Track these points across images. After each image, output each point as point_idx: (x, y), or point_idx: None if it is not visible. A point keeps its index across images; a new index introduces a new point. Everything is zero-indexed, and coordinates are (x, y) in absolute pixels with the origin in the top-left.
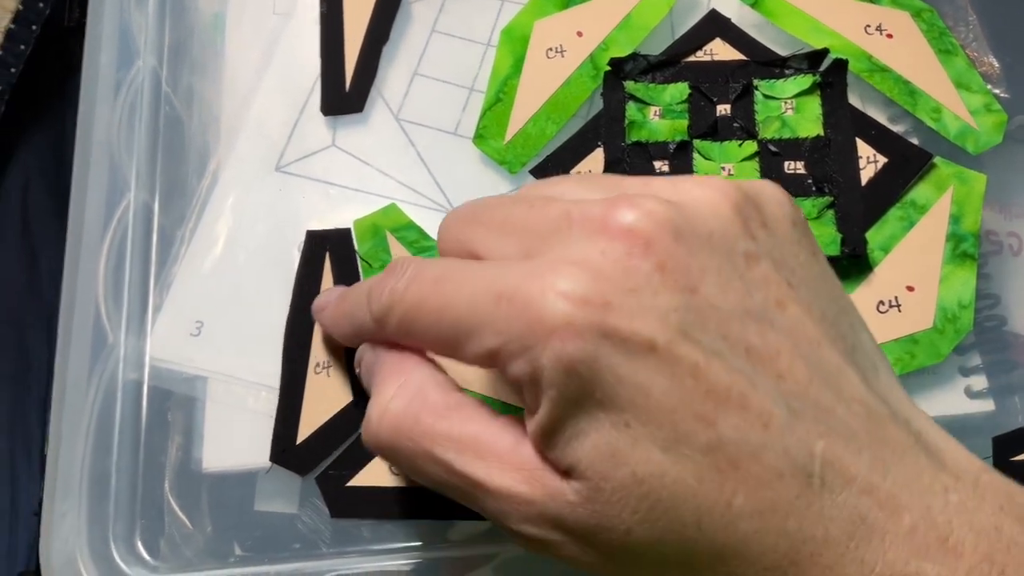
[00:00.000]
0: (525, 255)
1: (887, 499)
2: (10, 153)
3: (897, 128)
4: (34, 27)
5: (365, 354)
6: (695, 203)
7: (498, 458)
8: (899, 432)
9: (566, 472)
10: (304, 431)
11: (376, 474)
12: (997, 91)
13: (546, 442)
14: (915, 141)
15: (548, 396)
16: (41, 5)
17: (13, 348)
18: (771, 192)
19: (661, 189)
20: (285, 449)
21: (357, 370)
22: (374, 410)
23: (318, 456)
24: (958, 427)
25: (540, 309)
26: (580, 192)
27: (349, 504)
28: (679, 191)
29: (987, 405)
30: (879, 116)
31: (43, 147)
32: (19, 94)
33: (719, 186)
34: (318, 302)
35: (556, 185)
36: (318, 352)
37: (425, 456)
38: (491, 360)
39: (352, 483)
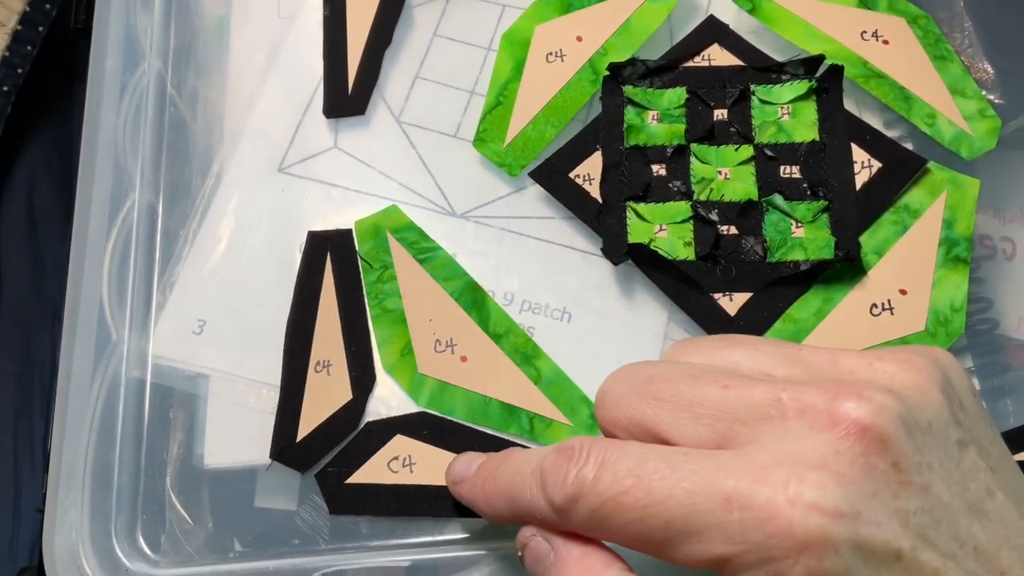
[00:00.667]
0: (726, 442)
1: None
2: (17, 153)
3: (892, 133)
4: (41, 28)
5: (533, 540)
6: (910, 391)
7: None
8: None
9: None
10: (304, 429)
11: (374, 471)
12: (992, 97)
13: None
14: (910, 146)
15: None
16: (48, 6)
17: (19, 347)
18: (950, 361)
19: (859, 369)
20: (285, 446)
21: (519, 553)
22: None
23: (317, 453)
24: None
25: (790, 521)
26: (757, 363)
27: (348, 501)
28: (891, 376)
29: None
30: (875, 121)
31: (49, 147)
32: (26, 95)
33: (922, 367)
34: (455, 472)
35: (722, 351)
36: (318, 351)
37: None
38: (715, 565)
39: (351, 480)
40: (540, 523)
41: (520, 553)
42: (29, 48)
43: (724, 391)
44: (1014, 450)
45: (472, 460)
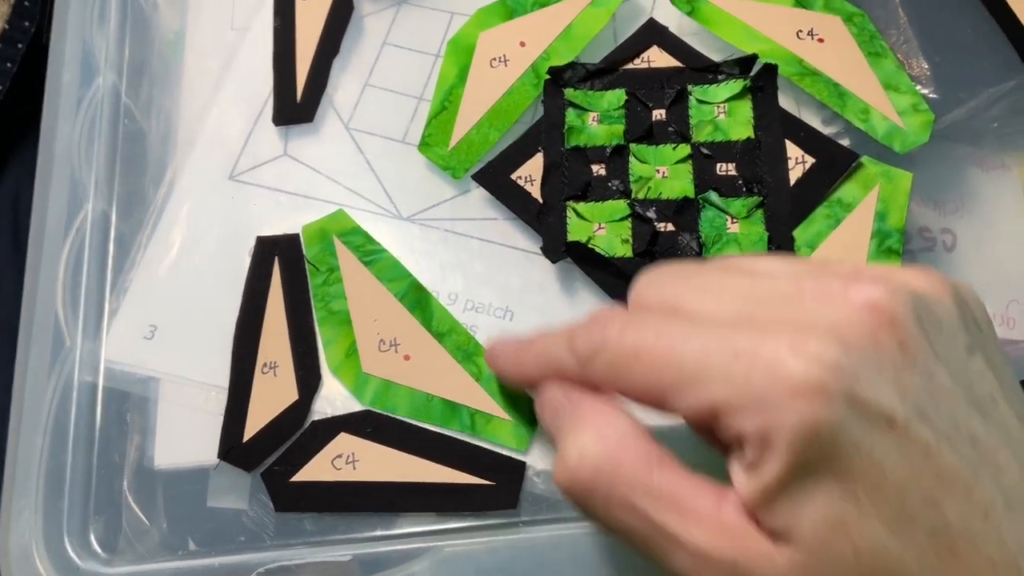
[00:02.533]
0: (748, 320)
1: None
2: (0, 168)
3: (830, 130)
4: (20, 45)
5: (553, 394)
6: (925, 290)
7: (698, 515)
8: None
9: (778, 536)
10: (251, 429)
11: (319, 469)
12: (927, 91)
13: (765, 504)
14: (847, 142)
15: (781, 457)
16: (27, 23)
17: (7, 360)
18: (972, 292)
19: (877, 273)
20: (232, 447)
21: (539, 410)
22: (571, 450)
23: (264, 453)
24: None
25: (790, 368)
26: (790, 269)
27: (292, 498)
28: (909, 277)
29: None
30: (813, 118)
31: (32, 162)
32: (7, 110)
33: (939, 278)
34: (493, 349)
35: (758, 262)
36: (265, 353)
37: (622, 503)
38: (709, 412)
39: (295, 478)
40: (562, 375)
41: (539, 410)
42: (8, 65)
43: (750, 279)
44: None
45: (509, 340)
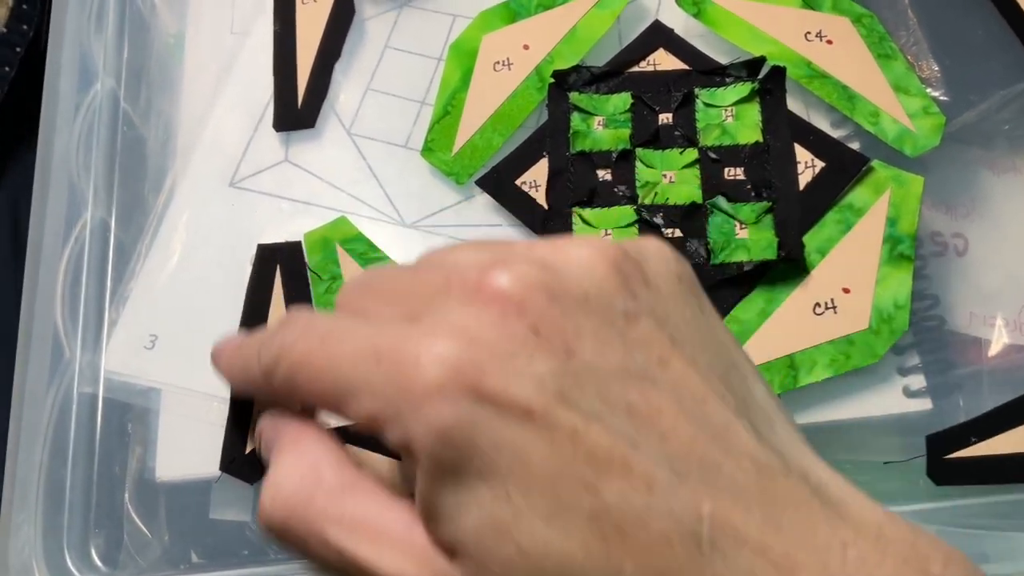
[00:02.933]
0: (407, 319)
1: (782, 558)
2: None
3: (839, 133)
4: (18, 49)
5: (263, 424)
6: (570, 264)
7: (391, 541)
8: (794, 486)
9: (450, 551)
10: (253, 440)
11: None
12: (938, 94)
13: (429, 519)
14: (857, 145)
15: (423, 467)
16: (25, 28)
17: (5, 368)
18: (655, 248)
19: (543, 252)
20: (235, 458)
21: (256, 445)
22: (267, 489)
23: (266, 465)
24: (896, 426)
25: (412, 372)
26: (471, 257)
27: None
28: (557, 253)
29: (925, 404)
30: (822, 121)
31: (30, 168)
32: (4, 115)
33: (597, 245)
34: (217, 346)
35: (451, 252)
36: None
37: (317, 540)
38: (373, 426)
39: None
40: (258, 392)
41: (256, 444)
42: (7, 69)
43: (414, 276)
44: (958, 447)
45: (236, 337)
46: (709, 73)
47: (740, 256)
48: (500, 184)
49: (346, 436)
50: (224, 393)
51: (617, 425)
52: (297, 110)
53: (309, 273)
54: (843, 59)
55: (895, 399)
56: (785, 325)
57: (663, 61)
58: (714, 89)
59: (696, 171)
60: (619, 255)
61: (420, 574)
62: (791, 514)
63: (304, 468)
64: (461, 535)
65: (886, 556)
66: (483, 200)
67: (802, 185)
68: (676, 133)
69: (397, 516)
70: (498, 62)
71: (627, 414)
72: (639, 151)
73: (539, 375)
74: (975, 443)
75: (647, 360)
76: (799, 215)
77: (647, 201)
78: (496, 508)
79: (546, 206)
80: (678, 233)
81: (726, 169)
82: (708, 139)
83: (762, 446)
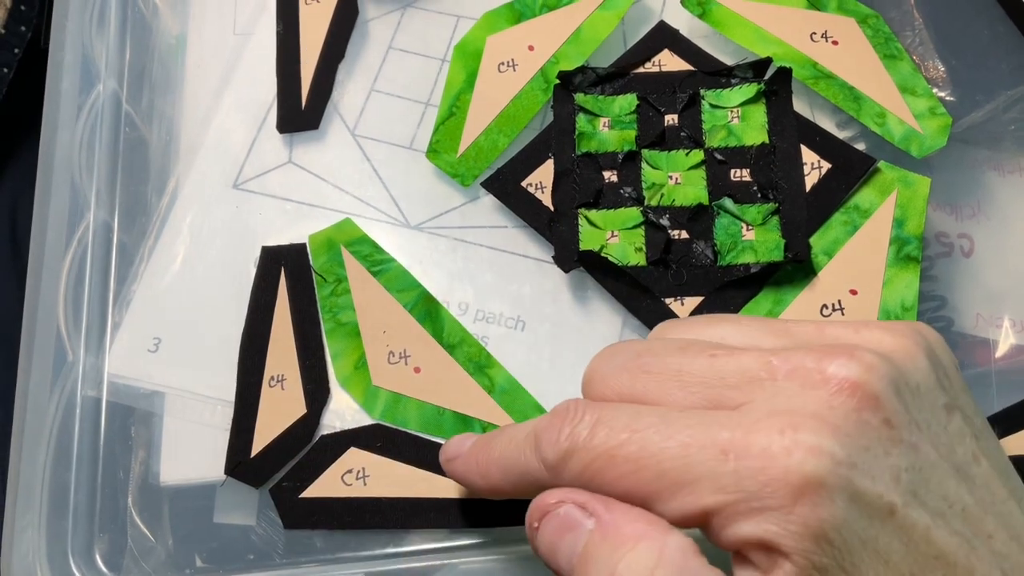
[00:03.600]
0: (716, 407)
1: None
2: None
3: (845, 134)
4: (16, 51)
5: (563, 508)
6: (898, 354)
7: None
8: None
9: None
10: (258, 444)
11: (328, 485)
12: (944, 94)
13: None
14: (862, 146)
15: (794, 562)
16: (23, 28)
17: (5, 369)
18: (935, 335)
19: (845, 336)
20: (239, 462)
21: (534, 525)
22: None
23: (272, 468)
24: None
25: (786, 468)
26: (744, 337)
27: (302, 515)
28: (868, 339)
29: None
30: (828, 122)
31: (32, 170)
32: (4, 117)
33: (908, 334)
34: (450, 450)
35: (708, 327)
36: (272, 366)
37: None
38: (703, 518)
39: (305, 494)
40: (534, 485)
41: (535, 525)
42: (5, 70)
43: (712, 359)
44: None
45: (466, 439)
46: (715, 74)
47: (747, 258)
48: (506, 186)
49: None
50: (229, 396)
51: (956, 525)
52: (301, 111)
53: (314, 275)
54: (849, 60)
55: None
56: None
57: (668, 62)
58: (720, 90)
59: (702, 172)
60: (927, 345)
61: None
62: None
63: (676, 560)
64: None
65: None
66: (489, 201)
67: (808, 186)
68: (682, 134)
69: None
70: (503, 63)
71: (963, 514)
72: (645, 152)
73: (896, 471)
74: None
75: (965, 456)
76: (806, 216)
77: (653, 202)
78: None
79: (552, 207)
80: (684, 235)
81: (732, 170)
82: (714, 140)
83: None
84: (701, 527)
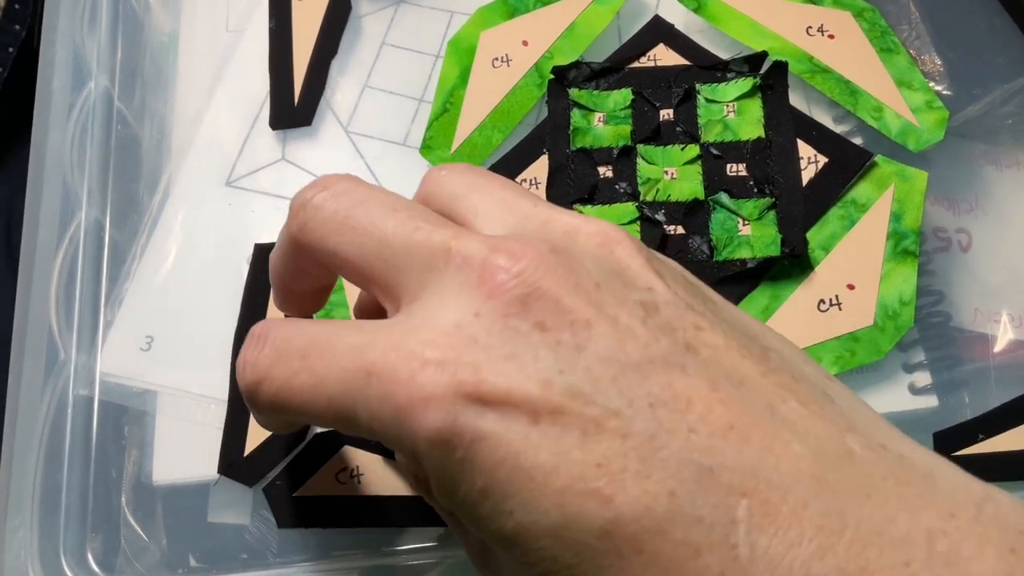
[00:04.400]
0: (398, 290)
1: (848, 560)
2: None
3: (842, 128)
4: (11, 49)
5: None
6: (588, 248)
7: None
8: (860, 467)
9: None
10: (252, 443)
11: (323, 484)
12: (941, 88)
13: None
14: (860, 141)
15: (433, 483)
16: (17, 27)
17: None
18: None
19: (556, 230)
20: (233, 461)
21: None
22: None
23: (265, 467)
24: (901, 423)
25: (410, 391)
26: (482, 206)
27: (296, 514)
28: (568, 230)
29: (931, 401)
30: (824, 117)
31: (24, 168)
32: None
33: (610, 226)
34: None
35: (466, 195)
36: None
37: None
38: (380, 441)
39: (299, 493)
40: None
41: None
42: (0, 69)
43: (412, 234)
44: (966, 444)
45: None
46: (710, 68)
47: (743, 253)
48: None
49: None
50: (222, 395)
51: (638, 421)
52: (294, 108)
53: None
54: (845, 54)
55: (901, 396)
56: (789, 322)
57: (663, 56)
58: (715, 85)
59: (698, 167)
60: (634, 243)
61: None
62: (859, 503)
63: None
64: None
65: (986, 545)
66: None
67: (805, 181)
68: (677, 129)
69: None
70: (497, 58)
71: (650, 408)
72: (640, 147)
73: (548, 373)
74: (983, 440)
75: (673, 345)
76: (802, 211)
77: (649, 198)
78: (501, 522)
79: None
80: (680, 230)
81: (728, 165)
82: (710, 135)
83: (819, 422)
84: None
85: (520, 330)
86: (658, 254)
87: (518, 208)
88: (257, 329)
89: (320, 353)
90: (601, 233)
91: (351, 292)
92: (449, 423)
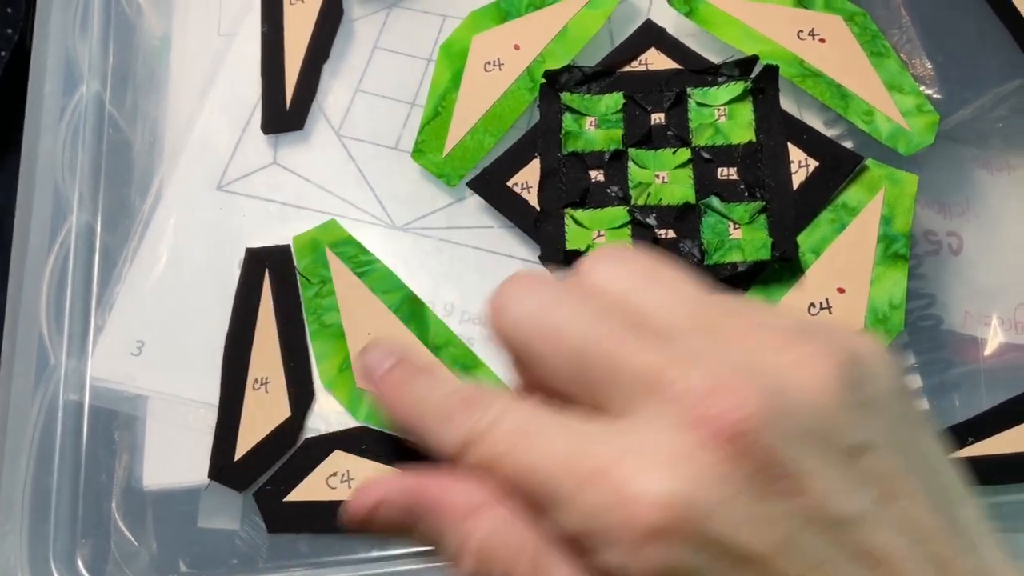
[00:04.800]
0: (603, 404)
1: None
2: None
3: (833, 131)
4: (3, 53)
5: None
6: (800, 386)
7: None
8: None
9: None
10: (242, 448)
11: (313, 489)
12: (931, 92)
13: None
14: (850, 144)
15: None
16: (10, 31)
17: None
18: (879, 359)
19: (761, 353)
20: (223, 466)
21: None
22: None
23: (256, 472)
24: None
25: (635, 512)
26: (671, 312)
27: (286, 519)
28: (781, 365)
29: (921, 404)
30: (815, 120)
31: (16, 172)
32: None
33: (826, 356)
34: (368, 361)
35: (645, 288)
36: (256, 368)
37: None
38: (575, 539)
39: (289, 498)
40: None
41: (365, 525)
42: None
43: (616, 349)
44: (956, 447)
45: (389, 356)
46: (701, 72)
47: (734, 256)
48: (491, 185)
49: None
50: (212, 399)
51: (844, 568)
52: (285, 112)
53: (298, 277)
54: (836, 57)
55: None
56: None
57: (655, 60)
58: (707, 88)
59: (689, 171)
60: (849, 372)
61: None
62: None
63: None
64: None
65: None
66: (475, 201)
67: (796, 184)
68: (669, 133)
69: None
70: (489, 62)
71: (857, 560)
72: (632, 151)
73: (765, 519)
74: (972, 443)
75: (878, 497)
76: (793, 215)
77: (640, 202)
78: None
79: (538, 207)
80: (671, 234)
81: (719, 169)
82: (701, 139)
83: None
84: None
85: (741, 472)
86: (875, 366)
87: (709, 315)
88: (477, 394)
89: (536, 438)
90: (816, 359)
91: (343, 298)
92: (675, 562)
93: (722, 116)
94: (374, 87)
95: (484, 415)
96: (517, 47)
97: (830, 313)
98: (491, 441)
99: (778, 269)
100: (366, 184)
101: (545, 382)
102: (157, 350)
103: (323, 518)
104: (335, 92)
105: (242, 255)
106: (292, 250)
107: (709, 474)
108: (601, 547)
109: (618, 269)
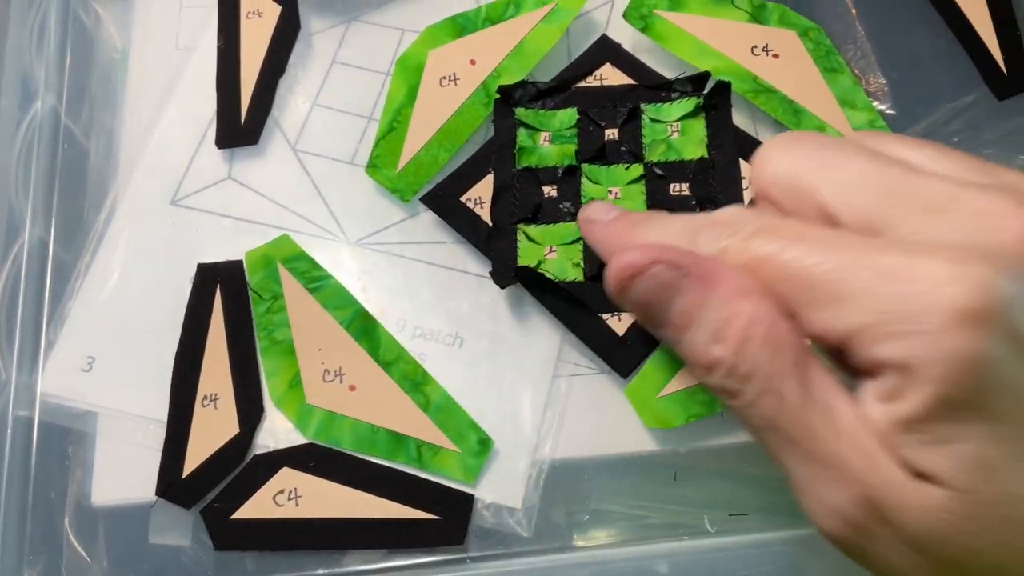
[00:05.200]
0: (887, 226)
1: None
2: None
3: None
4: None
5: (656, 268)
6: None
7: (840, 426)
8: None
9: (917, 472)
10: (190, 464)
11: (260, 506)
12: (884, 107)
13: (902, 436)
14: None
15: (929, 389)
16: None
17: None
18: None
19: None
20: (171, 483)
21: (621, 286)
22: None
23: (204, 489)
24: None
25: (952, 295)
26: (944, 166)
27: (233, 537)
28: None
29: None
30: (768, 136)
31: None
32: None
33: None
34: (589, 212)
35: (909, 147)
36: (206, 385)
37: (768, 388)
38: (845, 336)
39: (236, 515)
40: (670, 259)
41: (623, 284)
42: None
43: (901, 174)
44: None
45: (610, 209)
46: (655, 88)
47: None
48: (445, 201)
49: None
50: (161, 416)
51: None
52: (240, 126)
53: (250, 293)
54: (789, 73)
55: None
56: None
57: (610, 76)
58: (660, 104)
59: (641, 187)
60: None
61: (868, 471)
62: None
63: (768, 319)
64: (943, 462)
65: None
66: (428, 217)
67: (747, 201)
68: (622, 148)
69: (846, 405)
70: (444, 77)
71: None
72: (585, 167)
73: None
74: None
75: None
76: None
77: None
78: (991, 449)
79: (491, 223)
80: None
81: (671, 185)
82: (654, 155)
83: None
84: (843, 346)
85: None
86: None
87: (984, 165)
88: (729, 212)
89: (817, 239)
90: None
91: (294, 314)
92: (989, 354)
93: (675, 132)
94: (331, 101)
95: (744, 225)
96: (473, 62)
97: None
98: (755, 244)
99: None
100: (321, 199)
101: (823, 208)
102: (108, 366)
103: (270, 536)
104: (292, 106)
105: (194, 271)
106: (244, 266)
107: (1021, 272)
108: (889, 339)
109: (887, 138)
